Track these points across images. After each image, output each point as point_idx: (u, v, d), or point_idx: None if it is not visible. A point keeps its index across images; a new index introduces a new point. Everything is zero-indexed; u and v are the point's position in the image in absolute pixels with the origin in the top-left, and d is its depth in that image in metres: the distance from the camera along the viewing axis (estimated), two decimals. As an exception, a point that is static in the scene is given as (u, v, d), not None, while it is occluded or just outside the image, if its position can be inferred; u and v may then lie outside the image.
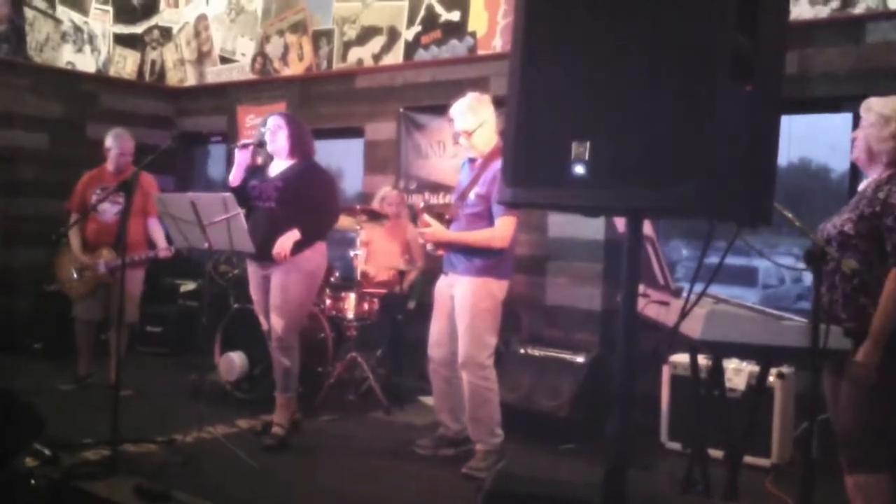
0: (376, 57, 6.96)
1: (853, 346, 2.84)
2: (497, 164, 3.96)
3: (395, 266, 5.72)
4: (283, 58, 7.64)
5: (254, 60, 7.90)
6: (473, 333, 4.17)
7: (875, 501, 2.90)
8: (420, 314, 5.44)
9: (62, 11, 7.84)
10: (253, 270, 4.67)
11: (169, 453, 4.30)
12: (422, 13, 6.64)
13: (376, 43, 6.95)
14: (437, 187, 6.54)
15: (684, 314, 2.33)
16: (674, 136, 1.68)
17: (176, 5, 8.55)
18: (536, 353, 5.18)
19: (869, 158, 3.01)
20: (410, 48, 6.72)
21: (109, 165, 5.74)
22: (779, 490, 4.07)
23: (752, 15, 1.69)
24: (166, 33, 8.63)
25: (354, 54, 7.11)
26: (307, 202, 4.49)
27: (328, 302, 5.58)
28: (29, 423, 3.80)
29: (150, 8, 8.63)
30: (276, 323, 4.50)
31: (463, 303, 4.20)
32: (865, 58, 4.72)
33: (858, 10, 4.74)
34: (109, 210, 5.61)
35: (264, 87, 7.80)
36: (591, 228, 5.44)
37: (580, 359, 5.00)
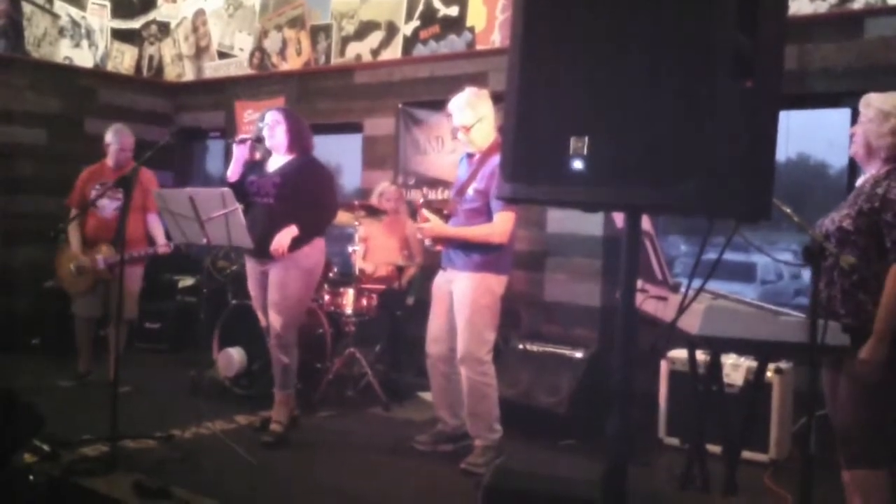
0: (374, 52, 6.95)
1: (851, 341, 2.84)
2: (495, 160, 3.96)
3: (394, 262, 5.72)
4: (282, 53, 7.63)
5: (252, 55, 7.88)
6: (472, 329, 4.17)
7: (873, 497, 2.90)
8: (419, 310, 5.44)
9: (60, 6, 7.82)
10: (251, 266, 4.67)
11: (168, 449, 4.30)
12: (420, 8, 6.63)
13: (375, 38, 6.94)
14: (435, 183, 6.54)
15: (682, 310, 2.34)
16: (674, 134, 1.68)
17: (174, 0, 8.53)
18: (535, 349, 5.18)
19: (867, 154, 3.01)
20: (409, 43, 6.71)
21: (109, 161, 5.73)
22: (777, 485, 4.08)
23: (751, 13, 1.69)
24: (164, 28, 8.61)
25: (353, 49, 7.09)
26: (305, 198, 4.48)
27: (327, 298, 5.58)
28: (28, 420, 3.80)
29: (148, 3, 8.60)
30: (274, 320, 4.50)
31: (462, 298, 4.20)
32: (864, 53, 4.71)
33: (857, 5, 4.74)
34: (109, 206, 5.61)
35: (262, 82, 7.79)
36: (589, 224, 5.44)
37: (579, 355, 5.00)
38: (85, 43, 8.08)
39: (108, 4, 8.28)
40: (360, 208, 5.58)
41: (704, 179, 1.65)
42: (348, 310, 5.55)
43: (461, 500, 3.80)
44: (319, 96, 7.32)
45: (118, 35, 8.43)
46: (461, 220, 4.25)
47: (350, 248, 5.82)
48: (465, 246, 4.22)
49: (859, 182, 3.08)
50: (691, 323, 2.81)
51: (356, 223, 5.70)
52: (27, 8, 7.56)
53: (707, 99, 1.65)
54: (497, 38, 6.17)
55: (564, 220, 5.59)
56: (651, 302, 3.27)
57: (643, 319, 3.23)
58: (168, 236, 5.25)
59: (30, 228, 7.06)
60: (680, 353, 4.61)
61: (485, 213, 4.19)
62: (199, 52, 8.36)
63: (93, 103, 7.93)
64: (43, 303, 6.83)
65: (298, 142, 4.60)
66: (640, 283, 3.25)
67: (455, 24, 6.43)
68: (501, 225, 4.15)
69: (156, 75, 8.67)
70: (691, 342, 3.38)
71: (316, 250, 4.58)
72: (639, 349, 2.12)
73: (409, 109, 6.75)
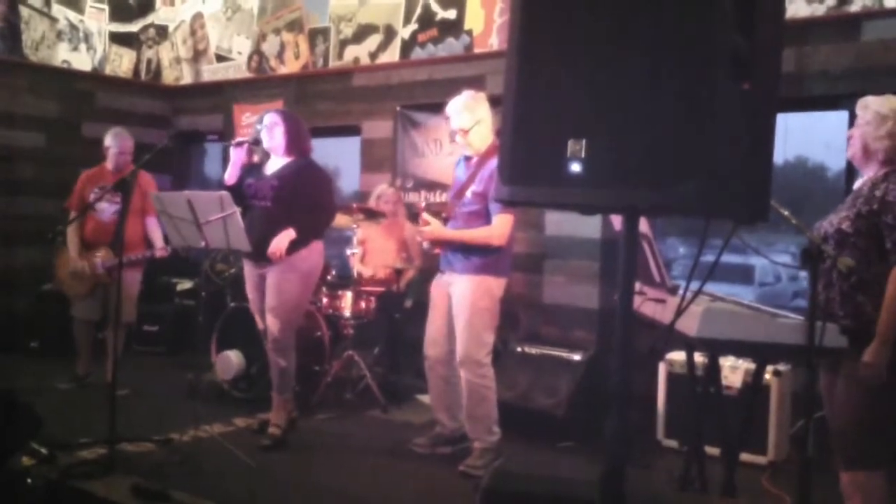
0: (373, 55, 6.95)
1: (850, 343, 2.85)
2: (493, 162, 3.96)
3: (392, 264, 5.72)
4: (280, 56, 7.63)
5: (250, 59, 7.89)
6: (472, 331, 4.17)
7: (871, 499, 2.90)
8: (417, 312, 5.43)
9: (58, 10, 7.82)
10: (249, 270, 4.66)
11: (166, 452, 4.29)
12: (418, 11, 6.63)
13: (373, 41, 6.94)
14: (433, 185, 6.54)
15: (680, 312, 2.34)
16: (674, 136, 1.69)
17: (172, 3, 8.53)
18: (534, 351, 5.19)
19: (865, 156, 3.02)
20: (407, 46, 6.72)
21: (109, 164, 5.73)
22: (775, 487, 4.08)
23: (749, 15, 1.69)
24: (162, 32, 8.61)
25: (351, 52, 7.10)
26: (303, 200, 4.47)
27: (325, 300, 5.58)
28: (26, 422, 3.80)
29: (146, 6, 8.61)
30: (271, 324, 4.49)
31: (461, 301, 4.20)
32: (862, 56, 4.73)
33: (854, 8, 4.75)
34: (108, 209, 5.61)
35: (261, 85, 7.79)
36: (588, 227, 5.44)
37: (577, 357, 5.01)
38: (83, 46, 8.08)
39: (107, 8, 8.29)
40: (358, 211, 5.58)
41: (705, 181, 1.65)
42: (346, 312, 5.55)
43: (460, 503, 3.80)
44: (318, 99, 7.32)
45: (116, 38, 8.43)
46: (460, 222, 4.25)
47: (348, 251, 5.82)
48: (465, 249, 4.23)
49: (857, 184, 3.08)
50: (689, 325, 2.81)
51: (354, 226, 5.70)
52: (25, 11, 7.56)
53: (707, 101, 1.65)
54: (495, 42, 6.17)
55: (562, 223, 5.59)
56: (649, 304, 3.27)
57: (641, 322, 3.24)
58: (166, 239, 5.25)
59: (29, 230, 7.06)
60: (678, 356, 4.62)
61: (483, 216, 4.20)
62: (198, 56, 8.37)
63: (91, 107, 7.93)
64: (43, 305, 6.82)
65: (297, 144, 4.59)
66: (638, 286, 3.26)
67: (453, 28, 6.43)
68: (500, 227, 4.16)
69: (154, 79, 8.68)
70: (689, 344, 3.39)
71: (314, 253, 4.58)
72: (637, 351, 2.12)
73: (408, 112, 6.75)
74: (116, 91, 8.25)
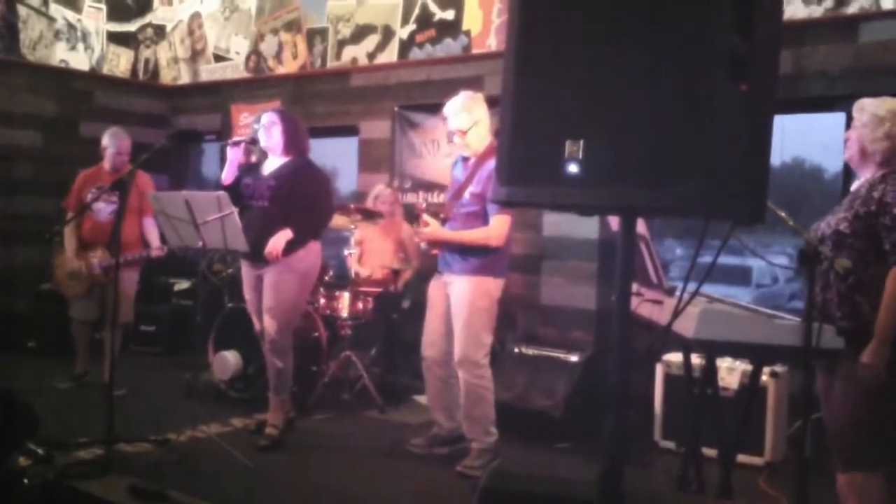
0: (371, 55, 6.95)
1: (847, 344, 2.85)
2: (492, 163, 3.96)
3: (390, 265, 5.72)
4: (278, 56, 7.63)
5: (248, 59, 7.88)
6: (470, 332, 4.17)
7: (868, 500, 2.91)
8: (414, 313, 5.43)
9: (56, 9, 7.81)
10: (246, 270, 4.66)
11: (163, 452, 4.29)
12: (416, 12, 6.63)
13: (371, 41, 6.94)
14: (431, 186, 6.54)
15: (678, 313, 2.34)
16: (672, 137, 1.69)
17: (170, 3, 8.53)
18: (531, 352, 5.19)
19: (862, 158, 3.02)
20: (405, 47, 6.72)
21: (106, 164, 5.73)
22: (772, 488, 4.08)
23: (747, 16, 1.69)
24: (160, 31, 8.61)
25: (349, 53, 7.10)
26: (301, 200, 4.47)
27: (322, 301, 5.58)
28: (24, 422, 3.80)
29: (144, 6, 8.60)
30: (268, 325, 4.48)
31: (459, 301, 4.21)
32: (859, 57, 4.73)
33: (852, 9, 4.75)
34: (105, 209, 5.60)
35: (258, 85, 7.79)
36: (585, 228, 5.44)
37: (575, 358, 5.01)
38: (81, 46, 8.08)
39: (104, 7, 8.28)
40: (355, 211, 5.57)
41: (702, 181, 1.66)
42: (344, 313, 5.55)
43: (457, 503, 3.80)
44: (315, 99, 7.32)
45: (114, 38, 8.43)
46: (458, 223, 4.25)
47: (346, 252, 5.82)
48: (463, 250, 4.23)
49: (854, 186, 3.09)
50: (686, 326, 2.81)
51: (352, 226, 5.70)
52: (23, 11, 7.55)
53: (705, 101, 1.66)
54: (493, 42, 6.18)
55: (560, 224, 5.60)
56: (646, 305, 3.28)
57: (639, 323, 3.24)
58: (163, 239, 5.24)
59: (28, 230, 7.06)
60: (675, 357, 4.62)
61: (481, 217, 4.20)
62: (195, 56, 8.36)
63: (89, 106, 7.93)
64: (41, 304, 6.82)
65: (294, 143, 4.59)
66: (635, 287, 3.26)
67: (451, 28, 6.43)
68: (498, 228, 4.16)
69: (152, 78, 8.67)
70: (687, 346, 3.39)
71: (311, 254, 4.57)
72: (634, 352, 2.13)
73: (405, 113, 6.75)
74: (114, 91, 8.25)
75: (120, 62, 8.50)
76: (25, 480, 3.69)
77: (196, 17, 8.32)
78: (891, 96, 3.03)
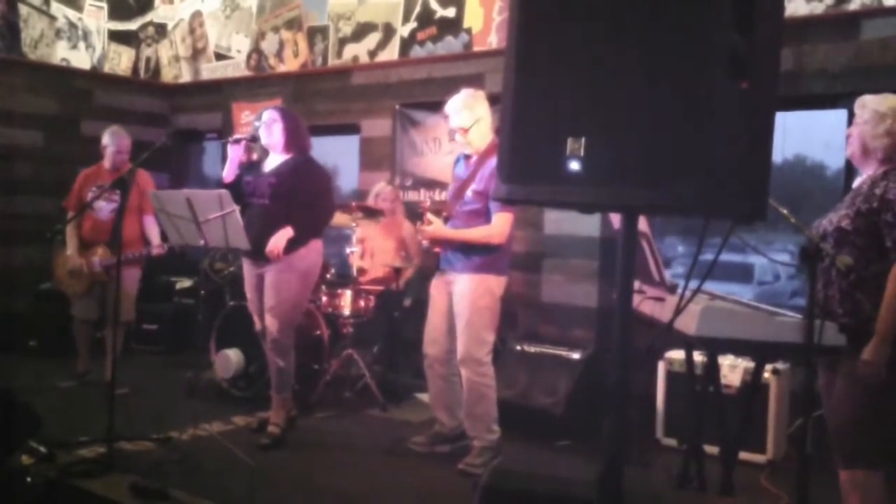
0: (372, 53, 6.95)
1: (848, 341, 2.85)
2: (493, 161, 3.95)
3: (391, 263, 5.72)
4: (279, 54, 7.63)
5: (249, 57, 7.88)
6: (472, 330, 4.17)
7: (869, 497, 2.91)
8: (416, 311, 5.44)
9: (57, 8, 7.82)
10: (248, 269, 4.65)
11: (165, 451, 4.29)
12: (417, 9, 6.63)
13: (372, 39, 6.94)
14: (432, 184, 6.54)
15: (679, 310, 2.34)
16: (672, 134, 1.69)
17: (171, 2, 8.53)
18: (533, 349, 5.19)
19: (863, 155, 3.02)
20: (406, 45, 6.72)
21: (106, 163, 5.73)
22: (774, 486, 4.08)
23: (747, 14, 1.69)
24: (161, 30, 8.61)
25: (350, 51, 7.10)
26: (301, 198, 4.46)
27: (324, 299, 5.58)
28: (25, 421, 3.80)
29: (145, 4, 8.61)
30: (270, 324, 4.48)
31: (461, 300, 4.21)
32: (861, 54, 4.73)
33: (853, 6, 4.75)
34: (105, 208, 5.60)
35: (259, 83, 7.79)
36: (587, 225, 5.44)
37: (576, 356, 5.01)
38: (82, 45, 8.08)
39: (105, 6, 8.28)
40: (357, 209, 5.58)
41: (703, 180, 1.65)
42: (346, 311, 5.56)
43: (458, 501, 3.80)
44: (316, 98, 7.32)
45: (115, 37, 8.43)
46: (460, 221, 4.25)
47: (347, 250, 5.82)
48: (465, 248, 4.23)
49: (856, 183, 3.09)
50: (688, 324, 2.81)
51: (353, 224, 5.70)
52: (24, 9, 7.55)
53: (705, 99, 1.65)
54: (494, 40, 6.17)
55: (561, 222, 5.60)
56: (648, 303, 3.28)
57: (640, 320, 3.24)
58: (164, 237, 5.25)
59: (28, 229, 7.06)
60: (677, 354, 4.62)
61: (483, 215, 4.20)
62: (196, 54, 8.36)
63: (89, 105, 7.94)
64: (41, 304, 6.82)
65: (295, 141, 4.58)
66: (637, 284, 3.26)
67: (452, 26, 6.43)
68: (500, 226, 4.16)
69: (153, 77, 8.67)
70: (688, 343, 3.39)
71: (312, 252, 4.56)
72: (636, 350, 2.12)
73: (406, 111, 6.75)
74: (115, 89, 8.26)
75: (121, 61, 8.50)
76: (28, 479, 3.69)
77: (197, 15, 8.32)
78: (892, 93, 3.02)
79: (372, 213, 5.66)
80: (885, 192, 2.87)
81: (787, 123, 5.18)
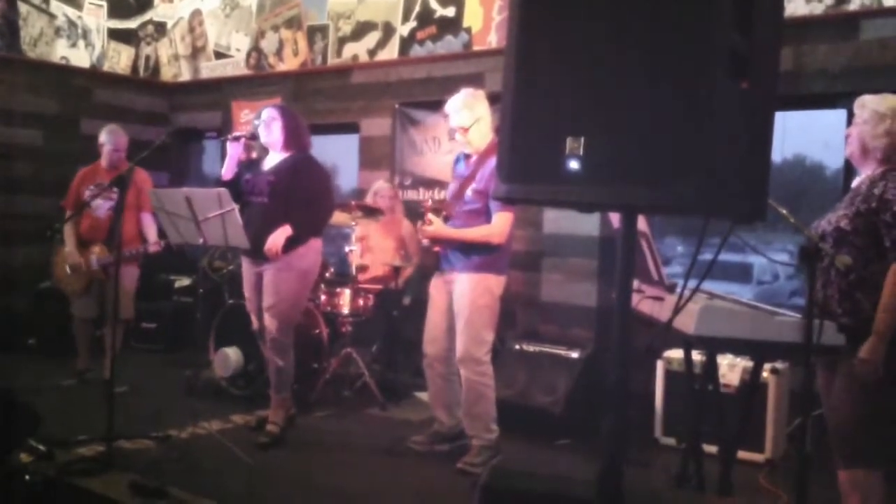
0: (371, 52, 6.95)
1: (848, 341, 2.85)
2: (493, 160, 3.95)
3: (391, 262, 5.72)
4: (278, 53, 7.63)
5: (248, 56, 7.88)
6: (471, 329, 4.17)
7: (869, 497, 2.91)
8: (415, 310, 5.43)
9: (56, 6, 7.81)
10: (247, 267, 4.65)
11: (164, 449, 4.29)
12: (417, 9, 6.63)
13: (371, 38, 6.94)
14: (432, 183, 6.54)
15: (678, 310, 2.34)
16: (672, 134, 1.69)
17: (170, 0, 8.53)
18: (532, 349, 5.19)
19: (862, 155, 3.02)
20: (406, 44, 6.72)
21: (103, 161, 5.73)
22: (773, 485, 4.08)
23: (747, 14, 1.69)
24: (161, 28, 8.60)
25: (349, 50, 7.10)
26: (300, 196, 4.45)
27: (323, 298, 5.58)
28: (24, 419, 3.80)
29: (145, 3, 8.60)
30: (269, 323, 4.47)
31: (461, 299, 4.21)
32: (860, 55, 4.73)
33: (853, 6, 4.75)
34: (102, 206, 5.60)
35: (259, 82, 7.78)
36: (586, 225, 5.44)
37: (575, 355, 5.01)
38: (81, 43, 8.07)
39: (105, 4, 8.27)
40: (356, 208, 5.58)
41: (703, 179, 1.66)
42: (345, 310, 5.55)
43: (457, 500, 3.80)
44: (316, 97, 7.32)
45: (115, 35, 8.42)
46: (460, 221, 4.25)
47: (347, 248, 5.82)
48: (465, 247, 4.23)
49: (855, 183, 3.09)
50: (687, 323, 2.81)
51: (353, 223, 5.70)
52: (23, 8, 7.55)
53: (705, 99, 1.66)
54: (494, 39, 6.17)
55: (561, 221, 5.60)
56: (647, 302, 3.28)
57: (639, 319, 3.24)
58: (161, 234, 5.25)
59: (28, 229, 7.06)
60: (676, 353, 4.62)
61: (484, 214, 4.20)
62: (196, 53, 8.36)
63: (89, 103, 7.94)
64: (41, 303, 6.82)
65: (295, 139, 4.57)
66: (636, 284, 3.26)
67: (452, 25, 6.43)
68: (500, 226, 4.16)
69: (152, 75, 8.67)
70: (687, 342, 3.39)
71: (311, 251, 4.55)
72: (635, 349, 2.13)
73: (406, 110, 6.75)
74: (115, 88, 8.25)
75: (120, 59, 8.50)
76: (27, 477, 3.69)
77: (197, 14, 8.31)
78: (892, 93, 3.03)
79: (371, 212, 5.66)
80: (884, 192, 2.87)
81: (787, 123, 5.19)
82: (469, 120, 4.21)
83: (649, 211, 2.35)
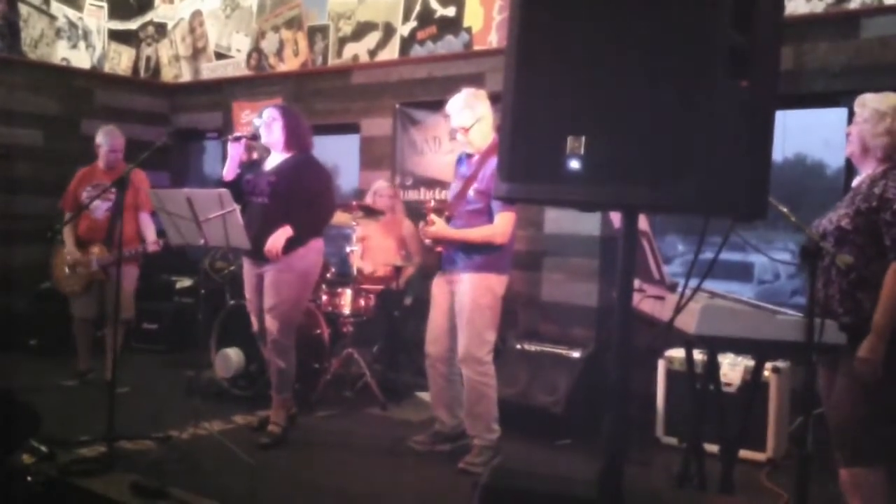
0: (372, 53, 6.95)
1: (849, 340, 2.85)
2: (495, 160, 3.95)
3: (392, 262, 5.72)
4: (279, 54, 7.63)
5: (249, 56, 7.88)
6: (473, 329, 4.17)
7: (871, 495, 2.91)
8: (416, 310, 5.44)
9: (57, 7, 7.82)
10: (248, 268, 4.64)
11: (165, 450, 4.29)
12: (417, 9, 6.63)
13: (372, 38, 6.94)
14: (432, 183, 6.54)
15: (679, 309, 2.34)
16: (673, 134, 1.69)
17: (171, 1, 8.53)
18: (533, 348, 5.19)
19: (863, 154, 3.02)
20: (406, 44, 6.72)
21: (100, 162, 5.73)
22: (774, 484, 4.08)
23: (747, 13, 1.69)
24: (161, 29, 8.61)
25: (350, 50, 7.10)
26: (302, 196, 4.44)
27: (324, 298, 5.58)
28: (25, 420, 3.80)
29: (145, 4, 8.61)
30: (270, 325, 4.47)
31: (463, 299, 4.21)
32: (861, 53, 4.73)
33: (854, 5, 4.75)
34: (101, 206, 5.59)
35: (260, 83, 7.79)
36: (587, 224, 5.44)
37: (576, 354, 5.01)
38: (82, 44, 8.08)
39: (105, 5, 8.28)
40: (357, 208, 5.57)
41: (703, 178, 1.66)
42: (346, 310, 5.55)
43: (458, 500, 3.80)
44: (317, 97, 7.31)
45: (115, 36, 8.43)
46: (462, 221, 4.25)
47: (348, 249, 5.82)
48: (467, 247, 4.22)
49: (855, 182, 3.09)
50: (688, 322, 2.81)
51: (354, 223, 5.70)
52: (24, 9, 7.55)
53: (706, 98, 1.66)
54: (494, 39, 6.17)
55: (562, 220, 5.60)
56: (648, 301, 3.28)
57: (640, 319, 3.24)
58: (161, 234, 5.25)
59: (28, 229, 7.07)
60: (677, 353, 4.62)
61: (486, 214, 4.20)
62: (197, 53, 8.36)
63: (90, 104, 7.94)
64: (41, 303, 6.83)
65: (296, 139, 4.57)
66: (637, 283, 3.26)
67: (452, 25, 6.43)
68: (503, 225, 4.16)
69: (153, 76, 8.67)
70: (688, 341, 3.39)
71: (312, 252, 4.55)
72: (636, 349, 2.13)
73: (407, 110, 6.75)
74: (115, 89, 8.26)
75: (121, 60, 8.50)
76: (28, 478, 3.69)
77: (197, 14, 8.32)
78: (892, 92, 3.02)
79: (372, 212, 5.66)
80: (885, 190, 2.87)
81: (788, 122, 5.17)
82: (470, 120, 4.21)
83: (650, 210, 2.35)
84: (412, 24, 6.67)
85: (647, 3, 1.75)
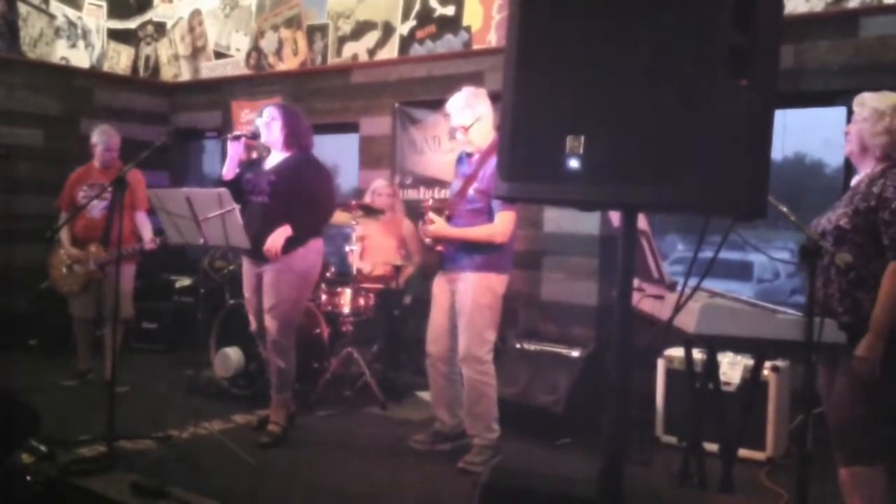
0: (371, 52, 6.95)
1: (848, 339, 2.85)
2: (495, 159, 3.96)
3: (391, 261, 5.72)
4: (278, 53, 7.63)
5: (248, 55, 7.88)
6: (473, 329, 4.17)
7: (871, 494, 2.91)
8: (416, 309, 5.43)
9: (56, 7, 7.81)
10: (247, 268, 4.64)
11: (165, 449, 4.29)
12: (417, 8, 6.63)
13: (371, 38, 6.94)
14: (432, 182, 6.54)
15: (679, 308, 2.34)
16: (673, 133, 1.69)
17: (170, 0, 8.53)
18: (533, 348, 5.19)
19: (862, 153, 3.02)
20: (405, 43, 6.72)
21: (96, 162, 5.73)
22: (774, 483, 4.08)
23: (747, 12, 1.69)
24: (160, 28, 8.60)
25: (349, 49, 7.09)
26: (302, 195, 4.44)
27: (324, 297, 5.58)
28: (25, 419, 3.80)
29: (145, 3, 8.60)
30: (269, 325, 4.47)
31: (463, 298, 4.21)
32: (860, 52, 4.73)
33: (853, 4, 4.75)
34: (97, 206, 5.58)
35: (259, 82, 7.79)
36: (586, 224, 5.44)
37: (576, 354, 5.01)
38: (81, 43, 8.08)
39: (105, 5, 8.28)
40: (357, 208, 5.57)
41: (703, 177, 1.66)
42: (346, 309, 5.55)
43: (458, 500, 3.80)
44: (316, 96, 7.31)
45: (114, 35, 8.43)
46: (462, 220, 4.25)
47: (347, 248, 5.82)
48: (468, 246, 4.22)
49: (854, 181, 3.09)
50: (688, 321, 2.81)
51: (353, 223, 5.70)
52: (23, 8, 7.55)
53: (705, 97, 1.66)
54: (493, 38, 6.17)
55: (561, 220, 5.60)
56: (648, 301, 3.28)
57: (640, 318, 3.24)
58: (158, 233, 5.24)
59: (28, 229, 7.06)
60: (677, 352, 4.62)
61: (486, 213, 4.19)
62: (196, 53, 8.36)
63: (89, 104, 7.94)
64: (41, 303, 6.82)
65: (295, 138, 4.57)
66: (636, 282, 3.26)
67: (451, 24, 6.43)
68: (503, 224, 4.16)
69: (152, 75, 8.67)
70: (688, 340, 3.39)
71: (311, 251, 4.54)
72: (636, 348, 2.13)
73: (406, 109, 6.75)
74: (115, 88, 8.25)
75: (120, 59, 8.50)
76: (28, 477, 3.70)
77: (196, 14, 8.31)
78: (891, 91, 3.02)
79: (372, 212, 5.66)
80: (883, 190, 2.87)
81: (787, 121, 5.18)
82: (470, 119, 4.21)
83: (649, 209, 2.35)
84: (411, 23, 6.67)
85: (647, 2, 1.75)
